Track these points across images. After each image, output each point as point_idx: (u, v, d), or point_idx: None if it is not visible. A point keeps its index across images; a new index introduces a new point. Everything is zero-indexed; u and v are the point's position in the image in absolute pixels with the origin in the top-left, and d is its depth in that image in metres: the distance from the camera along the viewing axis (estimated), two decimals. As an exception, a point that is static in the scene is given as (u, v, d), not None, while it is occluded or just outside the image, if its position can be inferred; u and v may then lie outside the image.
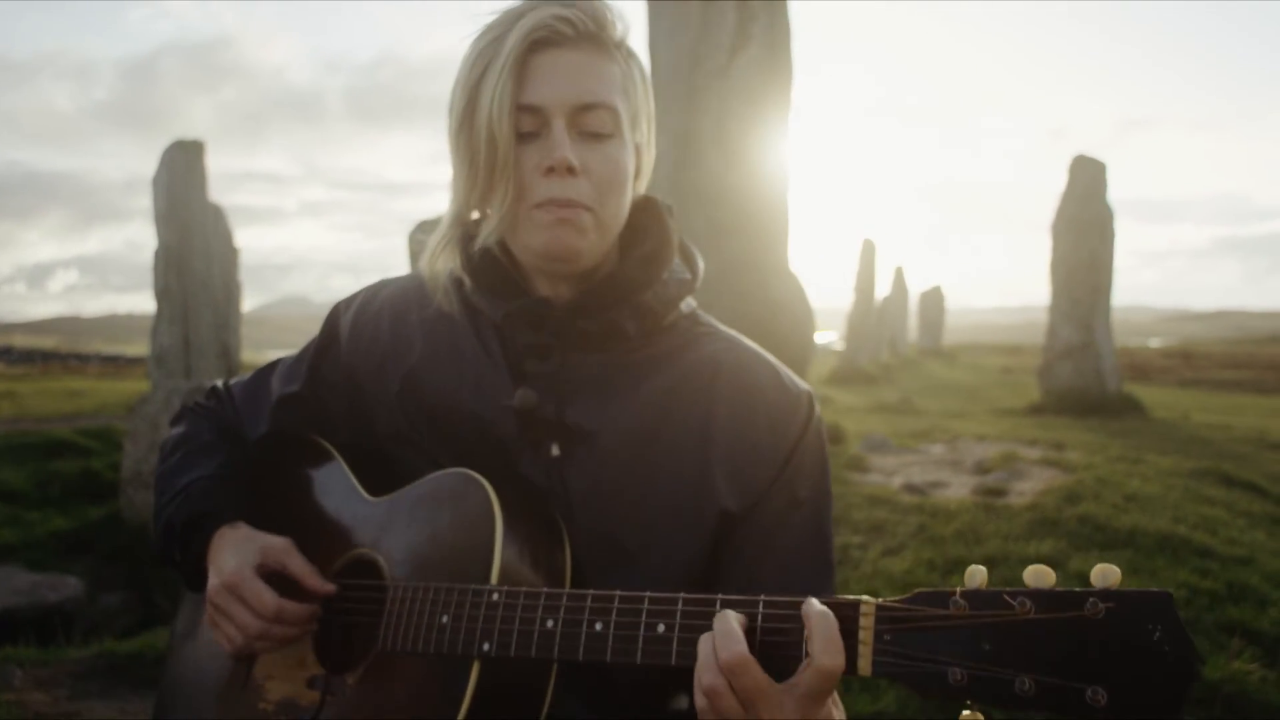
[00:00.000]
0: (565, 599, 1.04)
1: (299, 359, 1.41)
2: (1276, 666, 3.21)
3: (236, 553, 1.23)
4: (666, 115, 10.21)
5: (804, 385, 1.24)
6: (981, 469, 6.49)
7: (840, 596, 0.92)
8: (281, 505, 1.35)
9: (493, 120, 1.11)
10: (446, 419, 1.25)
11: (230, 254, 18.85)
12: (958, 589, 0.87)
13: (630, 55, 1.21)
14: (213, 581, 1.23)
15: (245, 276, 19.36)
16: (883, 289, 29.05)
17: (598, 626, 1.01)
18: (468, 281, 1.23)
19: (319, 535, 1.29)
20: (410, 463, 1.27)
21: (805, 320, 10.33)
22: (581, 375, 1.21)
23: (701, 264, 1.28)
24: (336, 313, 1.39)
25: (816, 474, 1.23)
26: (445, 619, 1.08)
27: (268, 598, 1.20)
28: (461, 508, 1.13)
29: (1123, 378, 16.03)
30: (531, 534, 1.13)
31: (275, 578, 1.23)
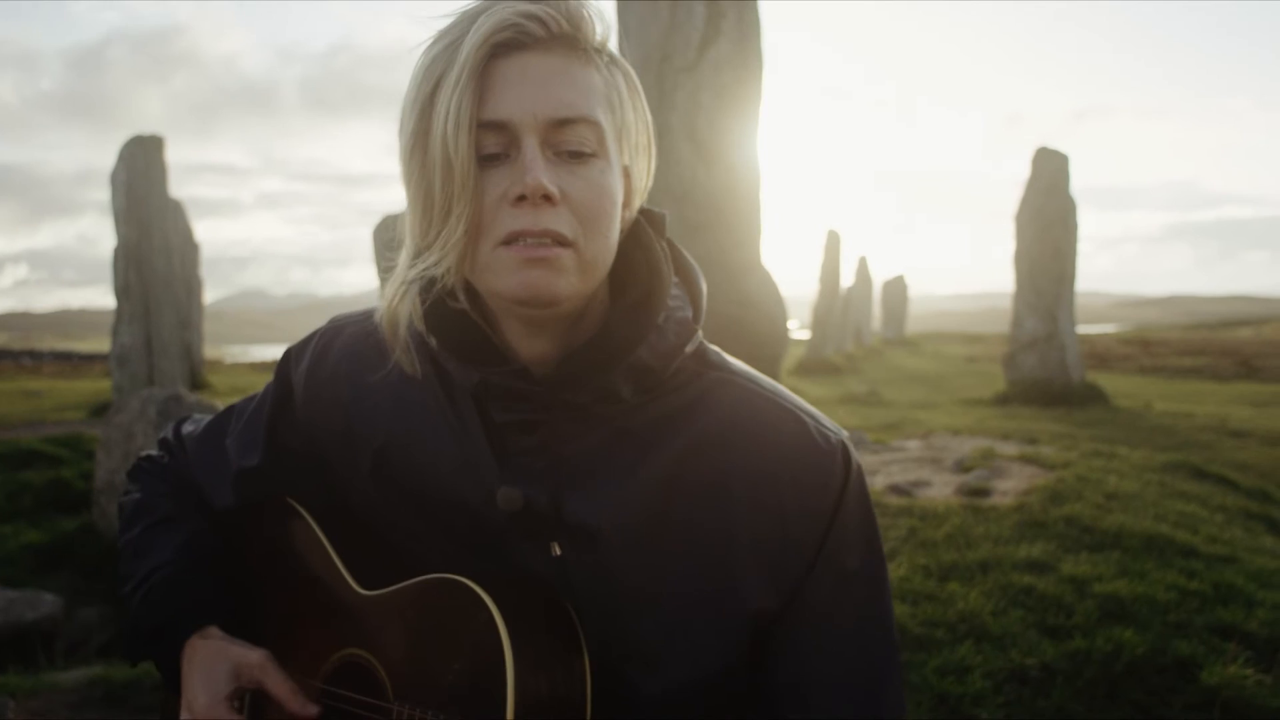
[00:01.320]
0: None
1: (253, 421, 1.24)
2: (1272, 669, 3.28)
3: (206, 683, 1.12)
4: (637, 111, 10.17)
5: (836, 434, 1.06)
6: (962, 467, 6.56)
7: None
8: (259, 585, 1.25)
9: (447, 141, 0.91)
10: (429, 505, 1.10)
11: (191, 250, 18.56)
12: None
13: (614, 62, 1.01)
14: (185, 717, 1.12)
15: (203, 270, 19.06)
16: (847, 279, 29.25)
17: None
18: (431, 341, 1.04)
19: (304, 625, 1.19)
20: (397, 544, 1.14)
21: (779, 316, 10.36)
22: (574, 453, 1.03)
23: (704, 286, 1.07)
24: (287, 365, 1.22)
25: (862, 537, 1.05)
26: None
27: None
28: (464, 625, 1.01)
29: (1085, 366, 16.29)
30: (546, 649, 1.01)
31: (250, 694, 1.15)
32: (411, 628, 1.07)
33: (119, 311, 14.54)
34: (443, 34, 0.95)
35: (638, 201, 1.06)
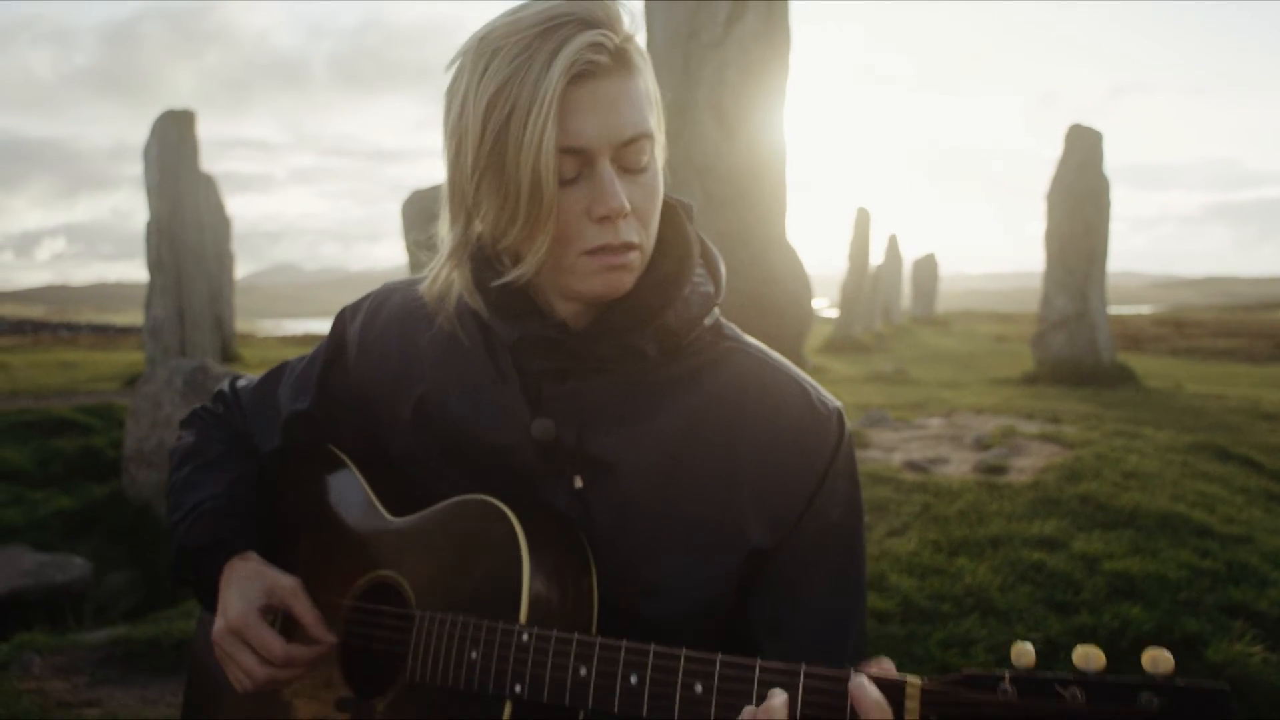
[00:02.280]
0: (599, 647, 1.02)
1: (306, 371, 1.36)
2: (1278, 648, 3.27)
3: (242, 594, 1.21)
4: (662, 87, 10.11)
5: (833, 403, 1.20)
6: (981, 445, 6.54)
7: (883, 673, 0.90)
8: (298, 520, 1.33)
9: (540, 168, 1.01)
10: (463, 447, 1.21)
11: (222, 224, 18.75)
12: (1006, 673, 0.85)
13: (640, 50, 1.10)
14: (218, 624, 1.21)
15: (236, 245, 19.26)
16: (876, 257, 29.05)
17: (633, 680, 1.00)
18: (477, 301, 1.17)
19: (337, 552, 1.28)
20: (429, 484, 1.24)
21: (803, 292, 10.33)
22: (601, 400, 1.16)
23: (724, 269, 1.22)
24: (342, 321, 1.34)
25: (847, 495, 1.18)
26: (474, 655, 1.08)
27: (274, 645, 1.18)
28: (486, 537, 1.11)
29: (1116, 347, 16.11)
30: (558, 564, 1.11)
31: (281, 616, 1.22)
32: (436, 544, 1.17)
33: (151, 284, 14.77)
34: (496, 52, 1.03)
35: (663, 174, 1.17)
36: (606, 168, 1.05)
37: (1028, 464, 5.69)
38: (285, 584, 1.22)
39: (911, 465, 5.71)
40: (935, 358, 21.43)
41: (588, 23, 1.03)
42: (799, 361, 10.24)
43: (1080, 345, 14.85)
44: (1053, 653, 3.21)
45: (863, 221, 25.86)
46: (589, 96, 1.03)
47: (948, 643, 3.22)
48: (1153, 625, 3.34)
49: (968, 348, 24.65)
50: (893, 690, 0.87)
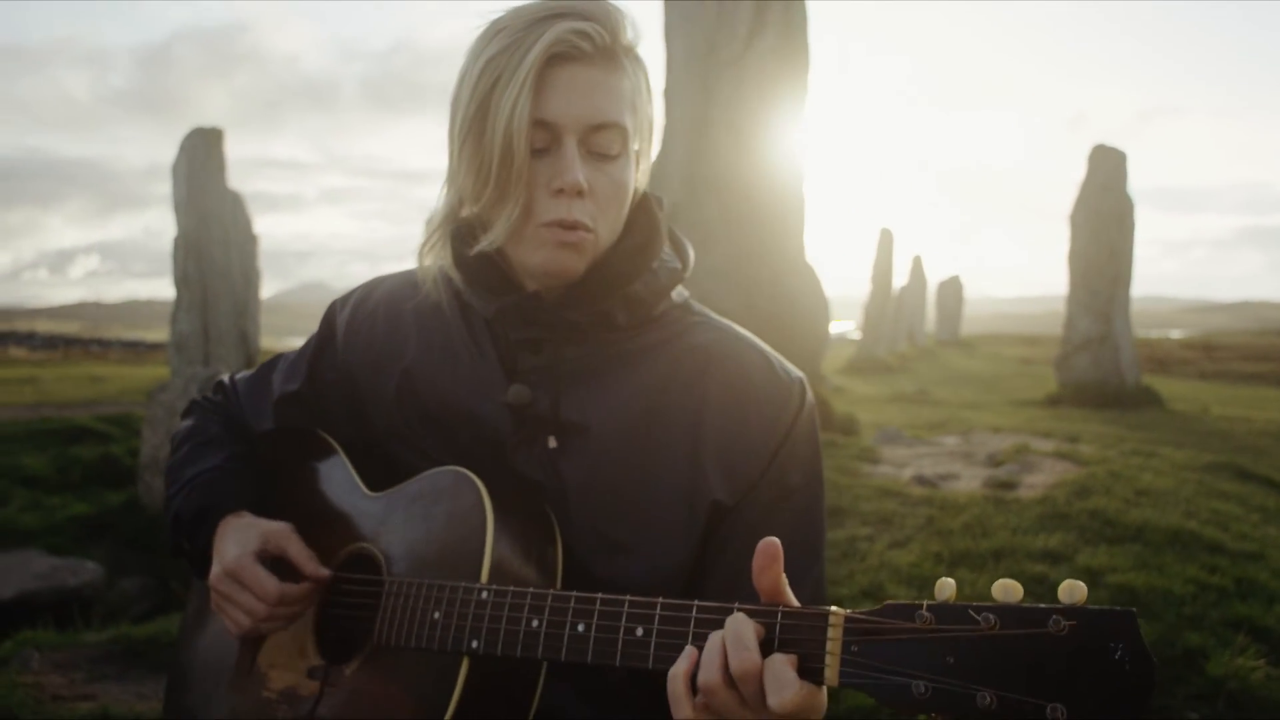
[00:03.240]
0: (550, 599, 1.06)
1: (299, 357, 1.43)
2: (1281, 663, 3.21)
3: (238, 540, 1.26)
4: (681, 104, 10.20)
5: (796, 372, 1.25)
6: (993, 461, 6.48)
7: (809, 607, 0.93)
8: (285, 497, 1.38)
9: (511, 134, 1.09)
10: (442, 417, 1.26)
11: (249, 241, 18.97)
12: (925, 602, 0.87)
13: (637, 60, 1.19)
14: (215, 569, 1.25)
15: (264, 263, 19.47)
16: (900, 279, 28.95)
17: (580, 628, 1.03)
18: (458, 278, 1.23)
19: (321, 527, 1.32)
20: (409, 460, 1.28)
21: (819, 311, 10.30)
22: (574, 367, 1.21)
23: (692, 253, 1.28)
24: (333, 310, 1.40)
25: (807, 461, 1.23)
26: (437, 615, 1.11)
27: (269, 583, 1.22)
28: (455, 505, 1.15)
29: (1142, 370, 15.93)
30: (523, 531, 1.15)
31: (276, 563, 1.26)
32: (409, 515, 1.22)
33: (178, 300, 14.96)
34: (501, 32, 1.12)
35: (643, 182, 1.25)
36: (572, 145, 1.12)
37: (1039, 480, 5.63)
38: (278, 529, 1.28)
39: (920, 480, 5.67)
40: (958, 379, 21.28)
41: (583, 16, 1.12)
42: (816, 379, 10.19)
43: (1104, 367, 14.70)
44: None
45: (886, 242, 25.80)
46: (566, 76, 1.11)
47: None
48: (1153, 638, 3.29)
49: (992, 370, 24.45)
50: (817, 620, 0.91)
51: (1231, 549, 4.32)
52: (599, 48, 1.12)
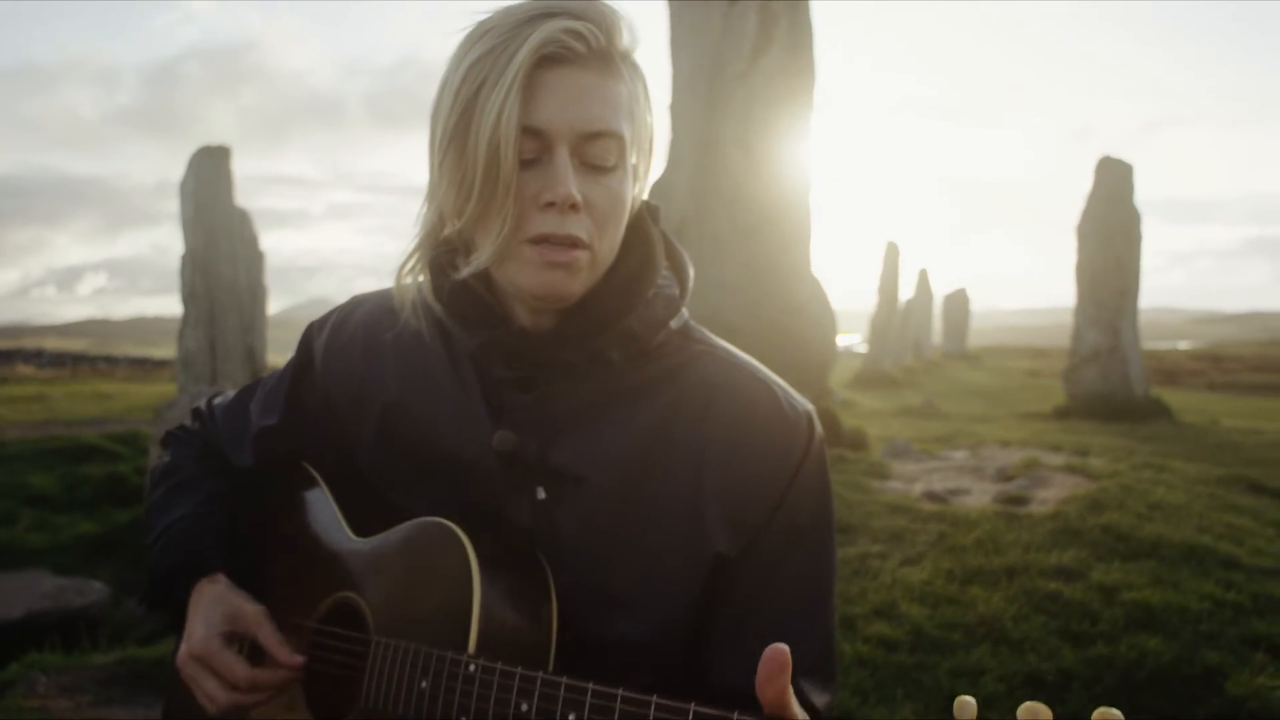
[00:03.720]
0: (540, 684, 0.99)
1: (276, 386, 1.34)
2: (1301, 682, 3.17)
3: (206, 619, 1.19)
4: (688, 118, 10.22)
5: (803, 405, 1.15)
6: (1004, 476, 6.44)
7: None
8: (267, 537, 1.33)
9: (497, 142, 0.99)
10: (426, 459, 1.18)
11: (256, 258, 19.03)
12: None
13: (635, 68, 1.09)
14: (182, 650, 1.19)
15: (272, 279, 19.52)
16: (906, 291, 28.92)
17: (571, 717, 0.96)
18: (437, 308, 1.13)
19: (303, 572, 1.27)
20: (394, 501, 1.21)
21: (826, 323, 10.28)
22: (564, 409, 1.12)
23: (691, 273, 1.18)
24: (310, 334, 1.32)
25: (816, 501, 1.14)
26: (424, 684, 1.05)
27: (238, 670, 1.16)
28: (440, 563, 1.08)
29: (1150, 381, 15.86)
30: (514, 590, 1.07)
31: (249, 644, 1.21)
32: (393, 568, 1.15)
33: (185, 316, 15.01)
34: (485, 33, 1.02)
35: (642, 194, 1.14)
36: (564, 155, 1.02)
37: (1050, 495, 5.59)
38: (249, 611, 1.20)
39: (931, 495, 5.63)
40: (965, 392, 21.21)
41: (576, 15, 1.02)
42: (824, 393, 10.15)
43: (1112, 379, 14.64)
44: (1066, 684, 3.13)
45: (892, 255, 25.78)
46: (557, 80, 1.01)
47: (957, 672, 3.15)
48: (1171, 657, 3.25)
49: (999, 383, 24.38)
50: None
51: (1247, 565, 4.28)
52: (594, 50, 1.03)
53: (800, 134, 10.55)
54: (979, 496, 5.71)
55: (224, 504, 1.32)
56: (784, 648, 0.84)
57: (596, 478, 1.10)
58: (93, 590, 5.56)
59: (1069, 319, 15.65)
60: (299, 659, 1.19)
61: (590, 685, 0.96)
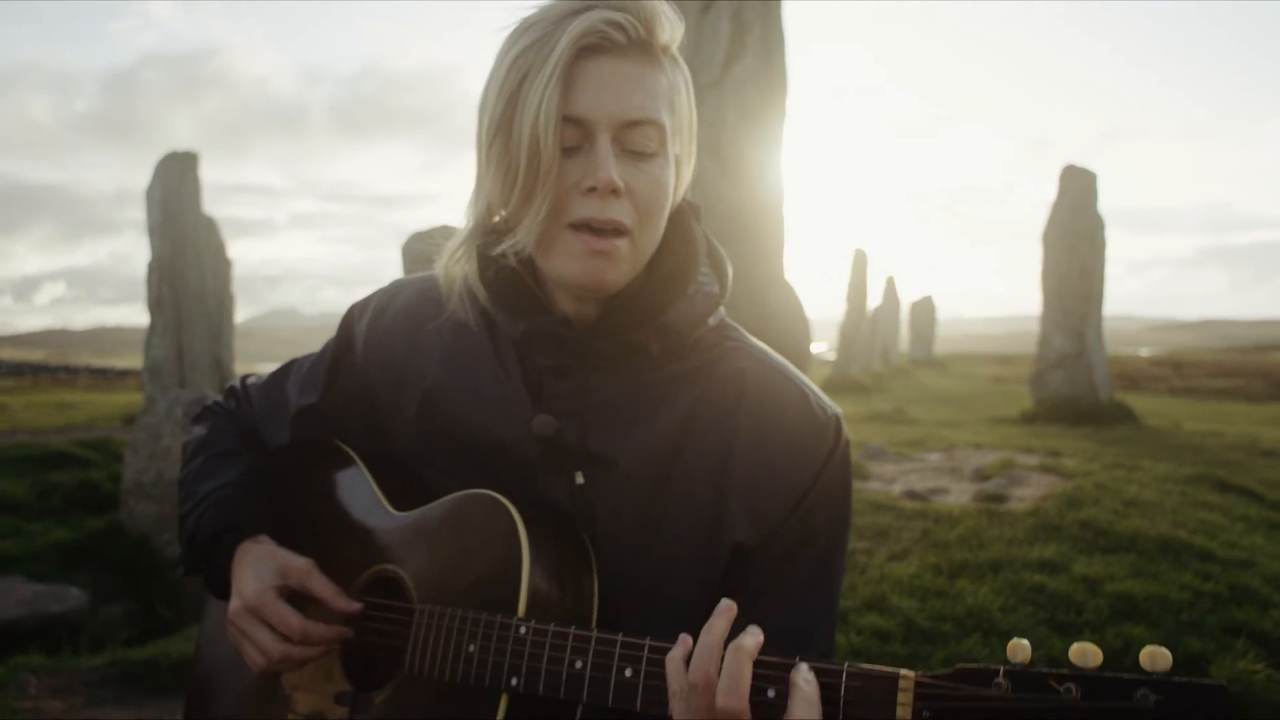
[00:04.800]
0: (594, 641, 1.02)
1: (315, 366, 1.36)
2: (1281, 666, 3.25)
3: (257, 574, 1.21)
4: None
5: (832, 408, 1.18)
6: (980, 476, 6.54)
7: (879, 668, 0.89)
8: (305, 513, 1.34)
9: (538, 131, 1.02)
10: (467, 442, 1.20)
11: (223, 266, 18.82)
12: (1001, 667, 0.83)
13: (676, 62, 1.12)
14: (234, 604, 1.21)
15: (236, 289, 19.31)
16: (874, 299, 29.17)
17: (627, 673, 0.99)
18: (483, 294, 1.16)
19: (342, 546, 1.28)
20: (434, 480, 1.24)
21: (800, 330, 10.36)
22: (603, 398, 1.15)
23: (730, 270, 1.21)
24: (351, 318, 1.34)
25: (836, 504, 1.17)
26: (472, 649, 1.07)
27: (293, 620, 1.18)
28: (487, 533, 1.11)
29: (1114, 386, 16.13)
30: (559, 560, 1.10)
31: (296, 597, 1.22)
32: (438, 539, 1.17)
33: (152, 325, 14.80)
34: (529, 27, 1.06)
35: (684, 189, 1.17)
36: (605, 142, 1.05)
37: (1027, 493, 5.69)
38: (299, 564, 1.22)
39: (911, 494, 5.71)
40: (934, 398, 21.43)
41: (615, 7, 1.05)
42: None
43: (1078, 384, 14.87)
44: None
45: (860, 263, 26.01)
46: (597, 70, 1.05)
47: (949, 662, 3.20)
48: (1156, 644, 3.33)
49: (966, 388, 24.65)
50: (886, 682, 0.87)
51: (1222, 557, 4.38)
52: (634, 40, 1.06)
53: (773, 142, 10.63)
54: (958, 495, 5.79)
55: (265, 477, 1.34)
56: (731, 604, 0.95)
57: (629, 464, 1.13)
58: (70, 596, 5.49)
59: (1033, 326, 15.88)
60: (357, 605, 1.21)
61: (648, 640, 0.99)
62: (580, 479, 1.15)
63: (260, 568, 1.22)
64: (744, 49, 10.68)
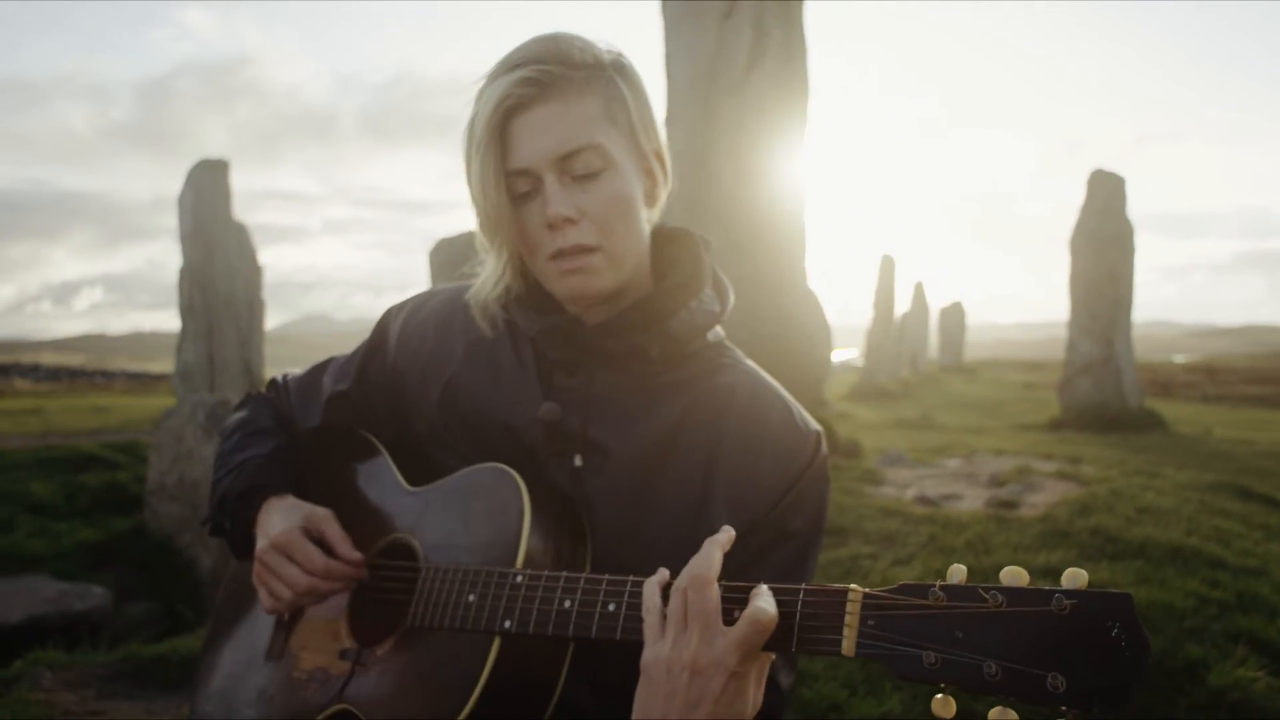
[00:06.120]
0: (583, 581, 1.12)
1: (350, 359, 1.51)
2: (1282, 674, 3.23)
3: (285, 517, 1.34)
4: (683, 131, 10.32)
5: (814, 425, 1.30)
6: (996, 482, 6.51)
7: (831, 585, 0.99)
8: (328, 488, 1.45)
9: (486, 194, 1.19)
10: (480, 426, 1.33)
11: (254, 272, 19.09)
12: (938, 583, 0.94)
13: (609, 73, 1.23)
14: (262, 543, 1.32)
15: (268, 294, 19.57)
16: (902, 305, 29.02)
17: (610, 607, 1.09)
18: (507, 299, 1.31)
19: (362, 518, 1.39)
20: (447, 462, 1.36)
21: (821, 337, 10.34)
22: (606, 393, 1.28)
23: (732, 298, 1.34)
24: (388, 317, 1.48)
25: (812, 511, 1.27)
26: (472, 598, 1.17)
27: (316, 556, 1.30)
28: (494, 498, 1.22)
29: (1145, 393, 15.94)
30: (556, 528, 1.21)
31: (317, 543, 1.34)
32: (448, 506, 1.30)
33: (183, 330, 15.06)
34: (475, 98, 1.22)
35: (664, 180, 1.30)
36: (551, 180, 1.19)
37: (1040, 499, 5.66)
38: (321, 512, 1.36)
39: (923, 500, 5.70)
40: (961, 405, 21.28)
41: (522, 63, 1.19)
42: (818, 405, 10.22)
43: (1107, 391, 14.71)
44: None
45: (888, 269, 25.89)
46: (526, 122, 1.19)
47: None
48: (1156, 651, 3.31)
49: (995, 395, 24.45)
50: (836, 595, 0.97)
51: (1233, 564, 4.34)
52: (549, 84, 1.18)
53: (794, 147, 10.64)
54: (971, 501, 5.77)
55: (295, 454, 1.48)
56: (732, 531, 1.07)
57: (624, 455, 1.25)
58: (93, 595, 5.61)
59: (1063, 332, 15.75)
60: (359, 555, 1.33)
61: (630, 578, 1.10)
62: (578, 461, 1.27)
63: (287, 513, 1.36)
64: (765, 54, 10.71)
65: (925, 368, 32.14)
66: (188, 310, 15.02)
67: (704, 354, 1.31)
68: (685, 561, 1.20)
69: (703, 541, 1.20)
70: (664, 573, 1.07)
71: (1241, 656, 3.29)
